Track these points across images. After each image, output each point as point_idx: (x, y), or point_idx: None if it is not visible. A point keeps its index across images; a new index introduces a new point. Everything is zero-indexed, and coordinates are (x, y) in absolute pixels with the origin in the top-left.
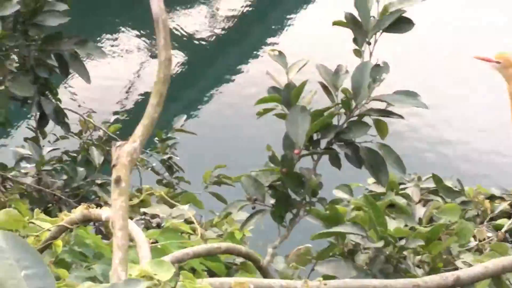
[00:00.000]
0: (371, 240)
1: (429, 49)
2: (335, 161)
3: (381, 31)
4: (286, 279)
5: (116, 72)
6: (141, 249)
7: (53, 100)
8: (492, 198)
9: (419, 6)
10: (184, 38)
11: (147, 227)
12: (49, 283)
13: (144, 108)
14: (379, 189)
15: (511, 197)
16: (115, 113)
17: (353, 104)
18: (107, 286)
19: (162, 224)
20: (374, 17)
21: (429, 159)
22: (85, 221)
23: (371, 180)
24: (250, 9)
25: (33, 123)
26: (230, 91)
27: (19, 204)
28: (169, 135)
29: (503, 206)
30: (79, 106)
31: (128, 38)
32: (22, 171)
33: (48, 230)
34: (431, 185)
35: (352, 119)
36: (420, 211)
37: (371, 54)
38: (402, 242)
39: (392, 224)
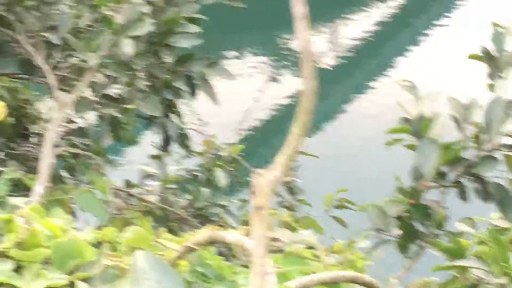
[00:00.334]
0: (494, 275)
1: None
2: (462, 195)
3: None
4: None
5: (237, 93)
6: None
7: (177, 122)
8: None
9: None
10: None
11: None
12: None
13: (264, 130)
14: (503, 223)
15: None
16: (237, 133)
17: (485, 138)
18: None
19: (284, 249)
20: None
21: None
22: (210, 242)
23: (495, 214)
24: (371, 38)
25: (157, 140)
26: (353, 118)
27: (143, 221)
28: None
29: None
30: (201, 125)
31: (249, 60)
32: (147, 188)
33: (174, 250)
34: None
35: (482, 153)
36: None
37: (505, 89)
38: None
39: None
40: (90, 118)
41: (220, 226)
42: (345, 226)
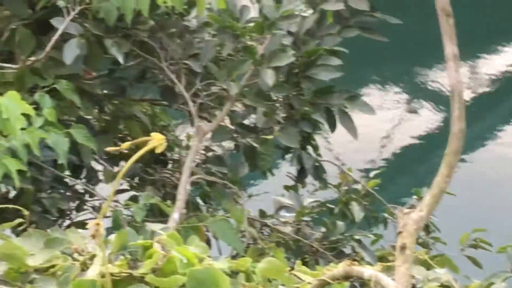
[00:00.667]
0: None
1: None
2: None
3: None
4: None
5: (373, 124)
6: None
7: (313, 155)
8: None
9: None
10: (446, 94)
11: None
12: None
13: (402, 163)
14: None
15: None
16: (371, 166)
17: None
18: None
19: (418, 286)
20: None
21: None
22: (346, 278)
23: None
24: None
25: (292, 171)
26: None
27: (277, 252)
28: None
29: None
30: (337, 158)
31: (387, 92)
32: (281, 219)
33: (309, 283)
34: None
35: None
36: None
37: None
38: None
39: None
40: (227, 147)
41: (355, 260)
42: (479, 267)
